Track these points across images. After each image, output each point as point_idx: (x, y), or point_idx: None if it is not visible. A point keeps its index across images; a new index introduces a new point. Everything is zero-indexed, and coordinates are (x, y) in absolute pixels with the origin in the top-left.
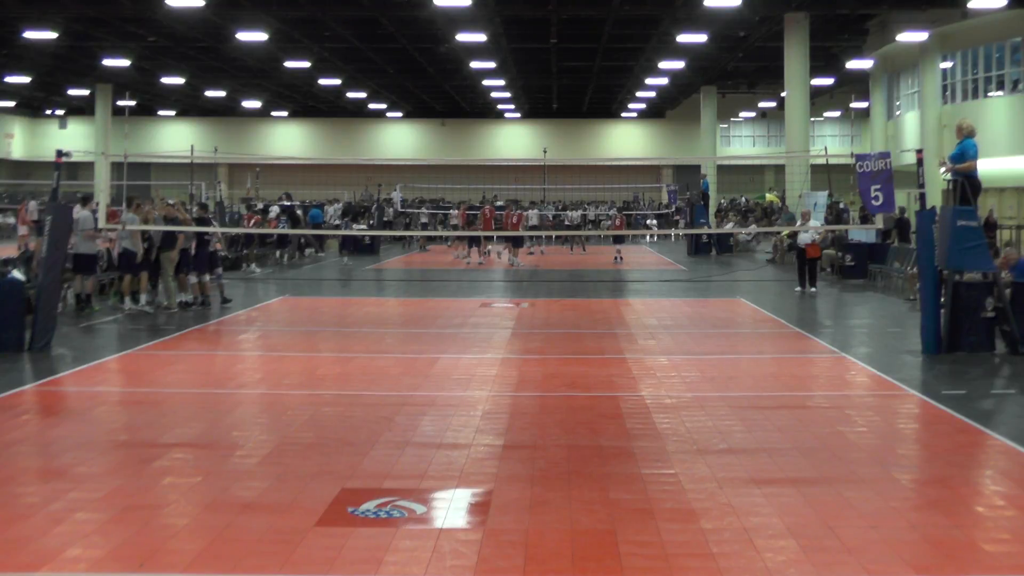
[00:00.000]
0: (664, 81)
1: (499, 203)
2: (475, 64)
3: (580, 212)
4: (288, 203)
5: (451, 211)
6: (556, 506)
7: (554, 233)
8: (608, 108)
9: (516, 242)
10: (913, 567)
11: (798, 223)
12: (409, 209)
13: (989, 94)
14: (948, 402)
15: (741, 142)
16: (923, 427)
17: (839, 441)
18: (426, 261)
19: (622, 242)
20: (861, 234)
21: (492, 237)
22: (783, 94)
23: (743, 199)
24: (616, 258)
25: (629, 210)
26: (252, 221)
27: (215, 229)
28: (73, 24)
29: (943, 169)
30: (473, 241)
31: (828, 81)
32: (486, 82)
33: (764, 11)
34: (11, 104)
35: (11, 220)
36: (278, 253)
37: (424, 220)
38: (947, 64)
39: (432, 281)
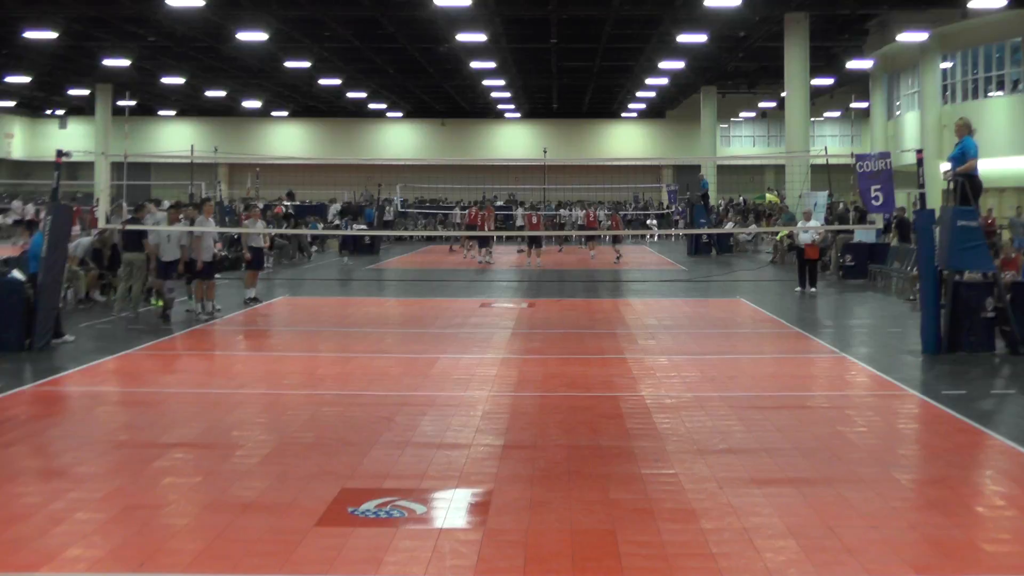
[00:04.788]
0: (664, 81)
1: (498, 203)
2: (475, 64)
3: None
4: (288, 203)
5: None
6: (556, 506)
7: (575, 233)
8: (608, 108)
9: (535, 243)
10: (913, 567)
11: (799, 223)
12: (410, 209)
13: (989, 94)
14: (948, 402)
15: (741, 142)
16: (923, 427)
17: (839, 441)
18: (425, 261)
19: (620, 242)
20: (861, 234)
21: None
22: (783, 94)
23: (741, 199)
24: (617, 257)
25: (624, 210)
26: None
27: (259, 231)
28: (73, 24)
29: (946, 174)
30: (483, 242)
31: (828, 81)
32: (486, 82)
33: (764, 11)
34: (11, 104)
35: (11, 220)
36: (279, 251)
37: (457, 220)
38: (947, 64)
39: (432, 281)
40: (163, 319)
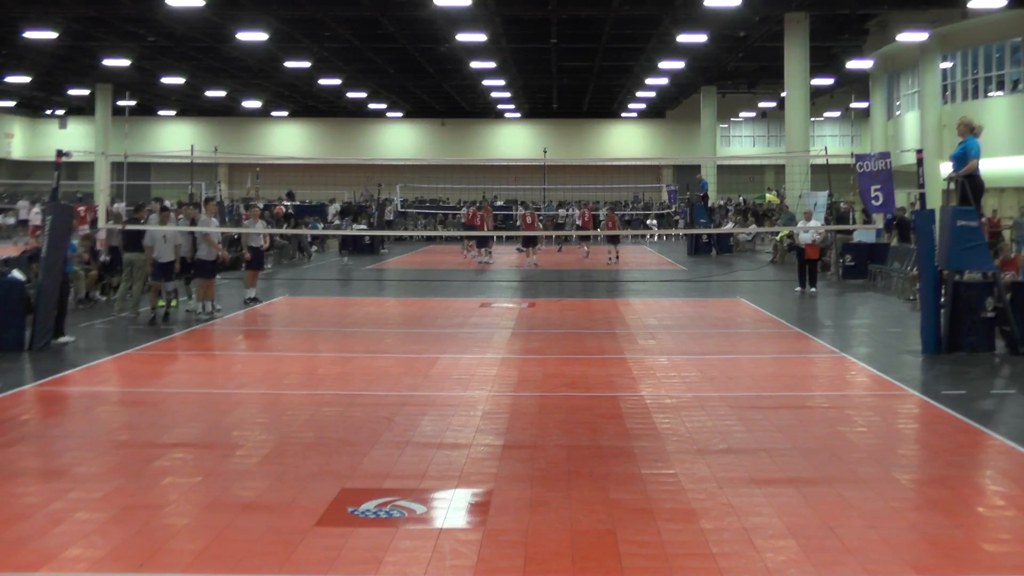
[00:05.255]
0: (664, 81)
1: (498, 203)
2: (475, 64)
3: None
4: (288, 202)
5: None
6: (556, 506)
7: (572, 233)
8: (608, 108)
9: (531, 242)
10: (913, 567)
11: (800, 222)
12: (410, 209)
13: (989, 94)
14: (948, 402)
15: (741, 142)
16: (923, 427)
17: (839, 441)
18: (425, 261)
19: (617, 242)
20: (861, 234)
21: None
22: (783, 94)
23: (741, 199)
24: (609, 258)
25: (621, 210)
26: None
27: (259, 231)
28: (73, 24)
29: (949, 177)
30: (482, 242)
31: (828, 81)
32: (486, 82)
33: (764, 11)
34: (11, 104)
35: (11, 220)
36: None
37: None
38: (947, 64)
39: (432, 281)
40: (163, 319)
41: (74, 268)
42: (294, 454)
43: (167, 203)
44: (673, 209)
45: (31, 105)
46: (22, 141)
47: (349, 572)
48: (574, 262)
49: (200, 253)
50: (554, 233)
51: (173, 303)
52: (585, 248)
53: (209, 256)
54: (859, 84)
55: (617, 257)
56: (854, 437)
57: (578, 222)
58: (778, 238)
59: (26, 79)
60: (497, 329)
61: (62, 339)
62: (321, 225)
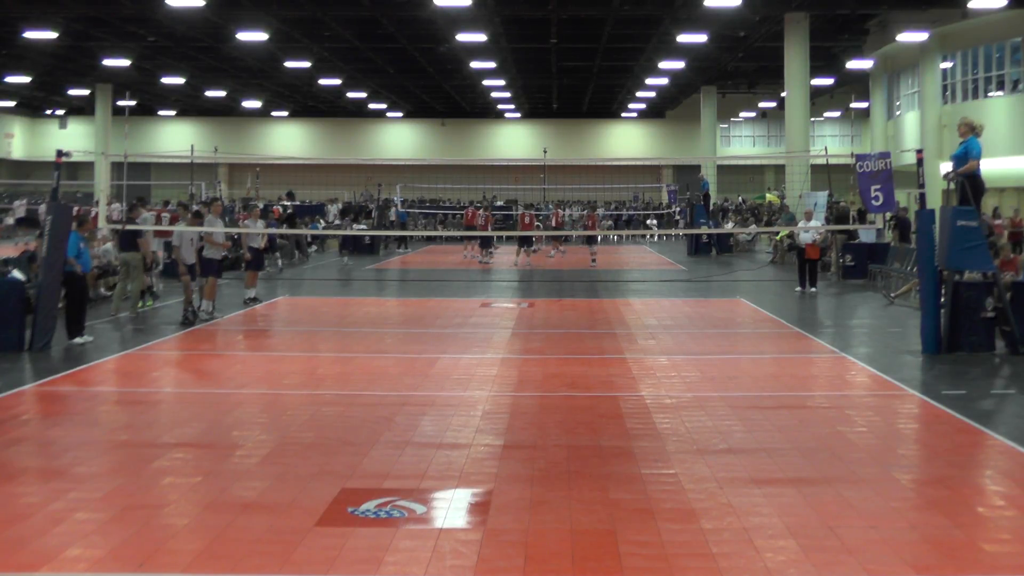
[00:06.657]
0: (664, 81)
1: (498, 202)
2: (475, 64)
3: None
4: (287, 202)
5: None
6: (556, 506)
7: (575, 233)
8: (608, 108)
9: (525, 242)
10: (913, 567)
11: (800, 222)
12: (411, 209)
13: (989, 94)
14: (948, 402)
15: (741, 142)
16: (923, 427)
17: (839, 441)
18: (425, 261)
19: (595, 243)
20: (861, 234)
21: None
22: (783, 94)
23: (740, 199)
24: (592, 260)
25: (618, 210)
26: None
27: (259, 231)
28: (73, 24)
29: (947, 175)
30: (485, 242)
31: (828, 81)
32: (486, 82)
33: (764, 11)
34: (11, 104)
35: (11, 220)
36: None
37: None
38: (947, 64)
39: (432, 281)
40: (188, 320)
41: (91, 266)
42: (294, 454)
43: (172, 205)
44: (675, 209)
45: (31, 105)
46: (22, 141)
47: (349, 572)
48: (573, 262)
49: (206, 252)
50: (548, 233)
51: (149, 302)
52: (553, 251)
53: (216, 255)
54: (859, 84)
55: (594, 260)
56: (854, 437)
57: (552, 222)
58: (778, 238)
59: (26, 79)
60: (497, 329)
61: (78, 339)
62: (321, 225)
